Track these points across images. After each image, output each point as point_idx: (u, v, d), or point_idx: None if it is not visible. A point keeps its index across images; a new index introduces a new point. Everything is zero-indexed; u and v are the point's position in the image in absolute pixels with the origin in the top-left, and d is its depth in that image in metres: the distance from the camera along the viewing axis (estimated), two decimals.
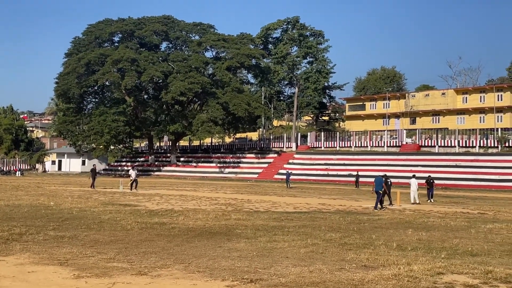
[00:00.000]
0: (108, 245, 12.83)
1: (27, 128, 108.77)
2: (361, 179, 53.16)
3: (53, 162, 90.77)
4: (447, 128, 68.89)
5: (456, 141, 63.53)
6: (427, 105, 75.53)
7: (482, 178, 53.35)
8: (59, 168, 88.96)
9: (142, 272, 9.73)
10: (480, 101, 72.34)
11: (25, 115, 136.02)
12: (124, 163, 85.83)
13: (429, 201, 31.29)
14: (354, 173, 56.71)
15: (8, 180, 56.10)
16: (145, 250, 12.08)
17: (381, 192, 25.48)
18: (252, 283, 8.98)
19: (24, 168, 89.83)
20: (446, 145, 64.39)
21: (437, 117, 75.04)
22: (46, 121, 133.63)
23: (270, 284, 8.90)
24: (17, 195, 30.33)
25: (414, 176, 30.68)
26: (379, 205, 25.13)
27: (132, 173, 38.32)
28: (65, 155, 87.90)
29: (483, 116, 71.16)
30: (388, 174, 55.30)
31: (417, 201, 29.10)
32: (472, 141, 62.83)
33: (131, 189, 36.87)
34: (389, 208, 25.56)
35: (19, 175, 76.98)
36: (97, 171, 44.31)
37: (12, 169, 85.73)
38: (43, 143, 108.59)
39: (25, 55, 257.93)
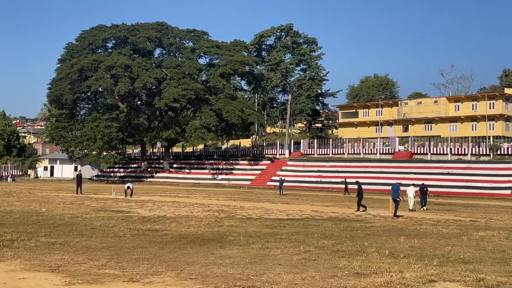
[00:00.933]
0: (100, 251, 12.78)
1: (20, 134, 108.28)
2: (353, 186, 52.87)
3: (45, 168, 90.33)
4: (440, 136, 69.17)
5: (448, 148, 63.78)
6: (420, 113, 75.84)
7: (474, 185, 53.54)
8: (51, 174, 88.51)
9: (134, 279, 9.69)
10: (472, 109, 72.72)
11: (18, 120, 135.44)
12: (116, 169, 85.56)
13: (422, 209, 31.30)
14: (351, 180, 56.64)
15: None
16: (137, 257, 12.04)
17: (398, 199, 25.94)
18: None
19: (16, 174, 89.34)
20: (438, 152, 64.62)
21: (429, 124, 75.33)
22: (39, 127, 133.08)
23: None
24: (9, 201, 30.16)
25: (413, 184, 31.98)
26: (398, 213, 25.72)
27: (129, 185, 38.07)
28: (58, 161, 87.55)
29: (475, 124, 71.50)
30: (380, 181, 55.87)
31: (411, 208, 29.82)
32: (464, 148, 63.10)
33: (125, 196, 36.60)
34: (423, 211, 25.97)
35: (11, 181, 76.54)
36: (82, 177, 44.18)
37: (3, 175, 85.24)
38: (35, 149, 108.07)
39: (18, 61, 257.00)
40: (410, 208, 29.93)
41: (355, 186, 30.99)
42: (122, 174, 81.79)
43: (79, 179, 41.34)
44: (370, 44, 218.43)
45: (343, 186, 53.60)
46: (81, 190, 40.12)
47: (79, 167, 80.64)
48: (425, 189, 32.81)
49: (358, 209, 28.53)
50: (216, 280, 9.66)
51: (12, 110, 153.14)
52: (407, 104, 78.65)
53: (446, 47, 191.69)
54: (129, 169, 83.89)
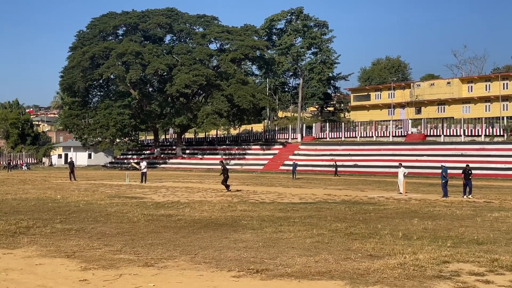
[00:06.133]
0: (115, 237, 12.90)
1: (33, 122, 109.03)
2: (366, 169, 53.04)
3: (60, 156, 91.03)
4: (453, 118, 68.64)
5: (462, 130, 63.32)
6: (432, 95, 75.22)
7: (488, 167, 53.15)
8: (66, 161, 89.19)
9: (148, 263, 9.79)
10: (486, 90, 71.98)
11: (31, 109, 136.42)
12: (130, 156, 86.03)
13: (465, 197, 25.92)
14: (353, 163, 56.65)
15: (15, 174, 56.36)
16: (152, 242, 12.14)
17: (445, 180, 26.44)
18: (258, 273, 9.02)
19: (30, 162, 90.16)
20: (451, 134, 64.21)
21: (442, 106, 74.76)
22: (52, 115, 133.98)
23: (276, 274, 8.94)
24: (24, 188, 30.48)
25: (400, 165, 30.30)
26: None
27: (142, 165, 38.39)
28: (71, 149, 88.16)
29: (489, 105, 70.83)
30: (393, 164, 55.63)
31: (400, 191, 28.30)
32: (478, 130, 62.62)
33: (142, 181, 36.76)
34: (469, 200, 24.85)
35: (26, 169, 77.28)
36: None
37: (18, 163, 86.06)
38: (49, 137, 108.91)
39: (30, 50, 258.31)
40: (400, 191, 28.29)
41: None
42: (135, 161, 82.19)
43: (71, 166, 41.57)
44: (382, 26, 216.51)
45: (334, 169, 55.04)
46: (74, 177, 40.39)
47: (69, 155, 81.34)
48: (469, 171, 26.59)
49: (228, 189, 28.71)
50: (230, 264, 9.73)
51: (25, 99, 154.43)
52: (419, 86, 78.03)
53: (459, 27, 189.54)
54: (142, 156, 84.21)
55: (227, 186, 29.14)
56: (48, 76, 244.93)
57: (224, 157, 75.23)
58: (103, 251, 10.95)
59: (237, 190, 29.84)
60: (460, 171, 27.55)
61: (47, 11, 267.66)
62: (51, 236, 12.90)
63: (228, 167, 32.93)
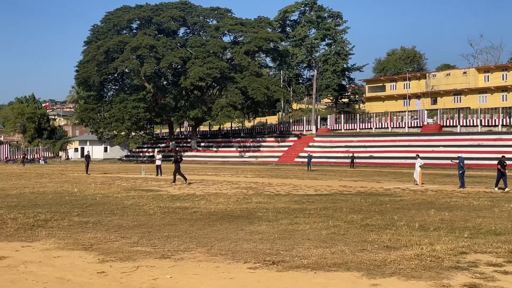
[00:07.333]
0: (132, 229, 12.98)
1: (50, 117, 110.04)
2: (382, 161, 52.85)
3: (76, 150, 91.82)
4: (469, 108, 68.03)
5: (478, 120, 62.73)
6: (448, 85, 74.57)
7: (506, 157, 52.57)
8: (82, 155, 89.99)
9: (165, 255, 9.84)
10: (503, 79, 71.18)
11: (47, 103, 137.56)
12: (145, 149, 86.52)
13: (496, 188, 24.74)
14: (370, 154, 56.46)
15: (32, 168, 56.92)
16: (168, 234, 12.20)
17: (462, 171, 26.29)
18: (274, 265, 9.03)
19: (47, 156, 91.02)
20: (468, 124, 63.64)
21: (458, 96, 74.10)
22: (68, 109, 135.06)
23: (292, 266, 8.94)
24: (42, 182, 30.76)
25: (418, 156, 30.06)
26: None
27: (158, 157, 38.59)
28: (88, 143, 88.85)
29: (506, 95, 70.06)
30: (409, 155, 55.26)
31: (417, 183, 27.90)
32: (495, 120, 61.99)
33: (158, 174, 36.96)
34: (504, 192, 23.72)
35: (43, 163, 78.03)
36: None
37: (35, 157, 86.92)
38: (65, 131, 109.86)
39: (45, 45, 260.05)
40: (417, 182, 27.81)
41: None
42: (150, 154, 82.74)
43: (87, 159, 42.52)
44: (396, 16, 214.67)
45: (349, 161, 55.45)
46: (86, 170, 41.21)
47: (85, 148, 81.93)
48: (504, 163, 25.06)
49: (174, 181, 28.56)
50: (246, 256, 9.74)
51: (41, 94, 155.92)
52: (435, 76, 77.37)
53: (475, 16, 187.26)
54: (158, 149, 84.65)
55: (182, 177, 28.99)
56: (64, 71, 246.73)
57: (239, 149, 75.33)
58: (120, 244, 11.02)
59: (189, 183, 29.81)
60: (496, 162, 26.40)
61: (62, 6, 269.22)
62: (69, 229, 13.01)
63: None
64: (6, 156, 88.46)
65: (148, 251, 10.22)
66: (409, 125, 68.60)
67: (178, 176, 29.21)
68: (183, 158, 75.65)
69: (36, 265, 9.20)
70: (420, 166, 28.71)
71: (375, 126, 71.36)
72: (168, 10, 76.11)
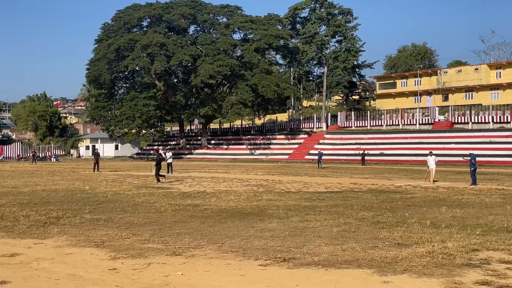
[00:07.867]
0: (143, 227, 13.04)
1: (61, 115, 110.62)
2: (392, 158, 52.63)
3: (87, 147, 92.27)
4: (481, 104, 67.53)
5: (490, 117, 62.25)
6: (460, 81, 74.09)
7: None
8: (93, 153, 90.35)
9: (176, 252, 9.87)
10: None
11: (59, 101, 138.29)
12: (156, 147, 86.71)
13: None
14: (379, 151, 56.32)
15: (43, 165, 57.30)
16: (179, 231, 12.24)
17: (474, 168, 26.17)
18: (285, 262, 9.03)
19: (59, 154, 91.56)
20: (480, 121, 63.17)
21: (470, 93, 73.62)
22: (79, 107, 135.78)
23: (303, 263, 8.94)
24: (53, 180, 30.97)
25: (431, 153, 29.47)
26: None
27: (168, 155, 38.73)
28: (99, 140, 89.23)
29: None
30: (420, 152, 54.97)
31: (431, 180, 27.43)
32: (507, 116, 61.50)
33: (169, 172, 37.07)
34: None
35: (54, 160, 78.53)
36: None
37: (47, 155, 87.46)
38: (76, 129, 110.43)
39: (57, 43, 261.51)
40: (431, 181, 27.34)
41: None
42: (164, 151, 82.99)
43: (96, 157, 42.76)
44: (407, 13, 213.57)
45: (360, 158, 55.56)
46: (94, 168, 41.55)
47: (96, 146, 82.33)
48: None
49: (158, 180, 28.05)
50: (257, 253, 9.76)
51: (52, 92, 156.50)
52: (446, 72, 76.91)
53: (487, 12, 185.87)
54: (168, 147, 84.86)
55: (163, 176, 29.18)
56: (75, 69, 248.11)
57: (249, 147, 75.32)
58: (131, 241, 11.08)
59: (176, 180, 29.81)
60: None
61: (73, 4, 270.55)
62: (81, 226, 13.10)
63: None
64: (18, 154, 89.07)
65: (159, 248, 10.27)
66: (420, 122, 68.24)
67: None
68: (194, 156, 76.17)
69: (48, 262, 9.27)
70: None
71: (386, 123, 71.06)
72: (178, 8, 76.20)
